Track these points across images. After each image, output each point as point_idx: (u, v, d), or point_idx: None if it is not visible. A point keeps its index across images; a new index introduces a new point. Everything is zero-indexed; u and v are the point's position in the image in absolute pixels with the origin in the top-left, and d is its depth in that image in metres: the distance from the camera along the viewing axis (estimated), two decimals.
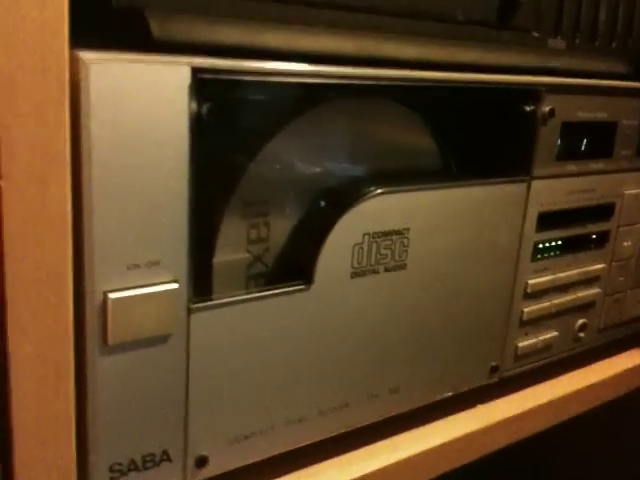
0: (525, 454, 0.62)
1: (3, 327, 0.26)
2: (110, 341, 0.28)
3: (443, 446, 0.44)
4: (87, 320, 0.28)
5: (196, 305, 0.31)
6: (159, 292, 0.29)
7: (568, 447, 0.72)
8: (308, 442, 0.38)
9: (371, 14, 0.34)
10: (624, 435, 0.67)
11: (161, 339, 0.30)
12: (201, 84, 0.28)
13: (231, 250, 0.35)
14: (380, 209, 0.37)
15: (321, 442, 0.39)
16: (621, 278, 0.55)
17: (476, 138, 0.43)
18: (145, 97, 0.27)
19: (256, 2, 0.30)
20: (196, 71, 0.28)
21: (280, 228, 0.36)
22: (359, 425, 0.40)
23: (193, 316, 0.31)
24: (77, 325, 0.28)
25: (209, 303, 0.31)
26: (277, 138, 0.34)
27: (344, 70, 0.33)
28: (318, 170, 0.37)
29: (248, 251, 0.36)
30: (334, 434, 0.39)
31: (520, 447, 0.50)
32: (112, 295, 0.28)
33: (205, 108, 0.29)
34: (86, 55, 0.25)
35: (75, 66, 0.25)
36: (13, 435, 0.26)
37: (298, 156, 0.36)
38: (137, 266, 0.28)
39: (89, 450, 0.30)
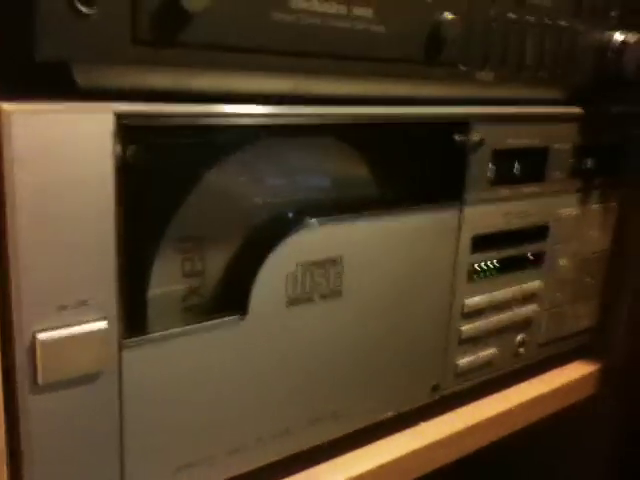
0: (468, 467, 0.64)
1: None
2: (40, 381, 0.29)
3: (387, 465, 0.45)
4: (17, 361, 0.28)
5: (127, 341, 0.32)
6: (88, 331, 0.30)
7: (515, 460, 0.74)
8: (248, 469, 0.39)
9: (303, 57, 0.35)
10: (570, 449, 0.69)
11: (92, 377, 0.31)
12: (125, 129, 0.29)
13: (166, 284, 0.35)
14: (313, 239, 0.38)
15: (262, 467, 0.40)
16: (558, 294, 0.57)
17: (410, 167, 0.44)
18: (69, 144, 0.28)
19: (186, 49, 0.30)
20: (119, 117, 0.29)
21: (215, 260, 0.37)
22: (300, 450, 0.41)
23: (124, 353, 0.32)
24: (6, 366, 0.28)
25: (140, 339, 0.32)
26: (208, 176, 0.35)
27: (274, 110, 0.34)
28: (253, 203, 0.38)
29: (183, 283, 0.36)
30: (275, 459, 0.40)
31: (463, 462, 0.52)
32: (40, 335, 0.29)
33: (130, 151, 0.29)
34: (7, 106, 0.26)
35: None
36: None
37: (231, 191, 0.37)
38: (65, 307, 0.29)
39: None
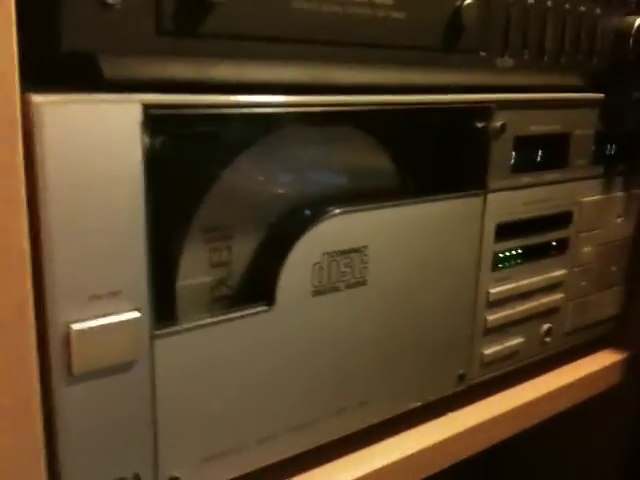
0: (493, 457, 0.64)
1: None
2: (75, 371, 0.29)
3: (415, 455, 0.45)
4: (51, 352, 0.29)
5: (159, 332, 0.32)
6: (121, 321, 0.30)
7: (538, 448, 0.73)
8: (279, 459, 0.39)
9: (323, 45, 0.35)
10: (593, 436, 0.68)
11: (125, 366, 0.31)
12: (152, 119, 0.29)
13: (194, 275, 0.36)
14: (338, 228, 0.38)
15: (293, 457, 0.40)
16: (583, 283, 0.56)
17: (432, 156, 0.44)
18: (98, 135, 0.28)
19: (208, 39, 0.31)
20: (147, 107, 0.29)
21: (242, 251, 0.37)
22: (329, 439, 0.41)
23: (156, 342, 0.32)
24: (42, 358, 0.28)
25: (171, 329, 0.32)
26: (234, 165, 0.36)
27: (295, 99, 0.35)
28: (277, 193, 0.39)
29: (211, 275, 0.37)
30: (305, 449, 0.40)
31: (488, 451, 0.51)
32: (75, 326, 0.29)
33: (158, 142, 0.30)
34: (37, 98, 0.26)
35: (27, 110, 0.26)
36: None
37: (257, 180, 0.38)
38: (98, 297, 0.29)
39: (61, 477, 0.30)
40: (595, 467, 0.68)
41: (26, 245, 0.27)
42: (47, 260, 0.28)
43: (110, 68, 0.29)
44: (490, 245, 0.47)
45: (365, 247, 0.39)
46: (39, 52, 0.27)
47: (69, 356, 0.29)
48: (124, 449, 0.32)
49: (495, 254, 0.48)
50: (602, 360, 0.61)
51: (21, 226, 0.26)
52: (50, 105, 0.26)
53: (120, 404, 0.31)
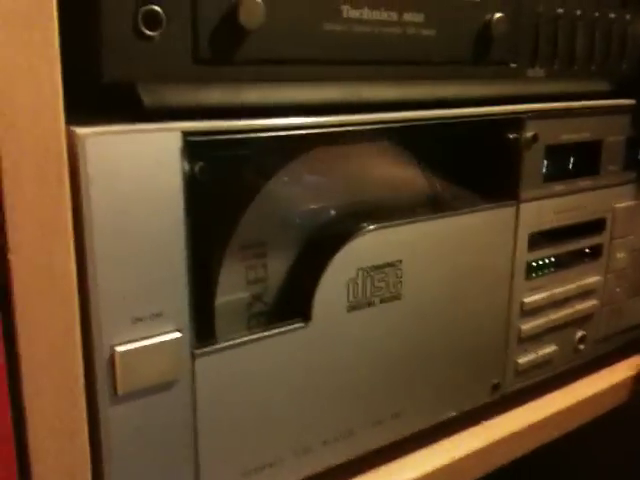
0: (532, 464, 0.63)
1: (19, 384, 0.27)
2: (119, 391, 0.30)
3: (451, 465, 0.45)
4: (97, 373, 0.30)
5: (199, 351, 0.33)
6: (163, 342, 0.31)
7: (574, 456, 0.73)
8: (314, 471, 0.39)
9: (355, 65, 0.35)
10: (629, 441, 0.68)
11: (168, 385, 0.32)
12: (192, 146, 0.30)
13: (231, 293, 0.36)
14: (372, 244, 0.38)
15: (329, 469, 0.40)
16: (618, 289, 0.56)
17: (464, 168, 0.45)
18: (139, 163, 0.29)
19: (243, 65, 0.31)
20: (186, 134, 0.30)
21: (277, 267, 0.38)
22: (364, 451, 0.42)
23: (197, 361, 0.33)
24: (87, 379, 0.29)
25: (212, 348, 0.33)
26: (270, 185, 0.36)
27: (330, 119, 0.35)
28: (312, 210, 0.39)
29: (248, 291, 0.37)
30: (339, 462, 0.41)
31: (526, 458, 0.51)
32: (119, 348, 0.30)
33: (197, 167, 0.30)
34: (81, 130, 0.27)
35: (71, 141, 0.27)
36: None
37: (291, 198, 0.38)
38: (141, 319, 0.30)
39: None
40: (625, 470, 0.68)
41: (72, 271, 0.28)
42: (92, 285, 0.29)
43: (149, 97, 0.29)
44: (523, 254, 0.47)
45: (399, 261, 0.40)
46: (80, 84, 0.28)
47: (114, 377, 0.30)
48: (166, 466, 0.33)
49: (528, 263, 0.48)
50: (635, 366, 0.60)
51: (67, 253, 0.27)
52: (93, 137, 0.27)
53: (162, 422, 0.32)
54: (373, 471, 0.43)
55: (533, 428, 0.51)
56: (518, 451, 0.51)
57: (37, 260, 0.26)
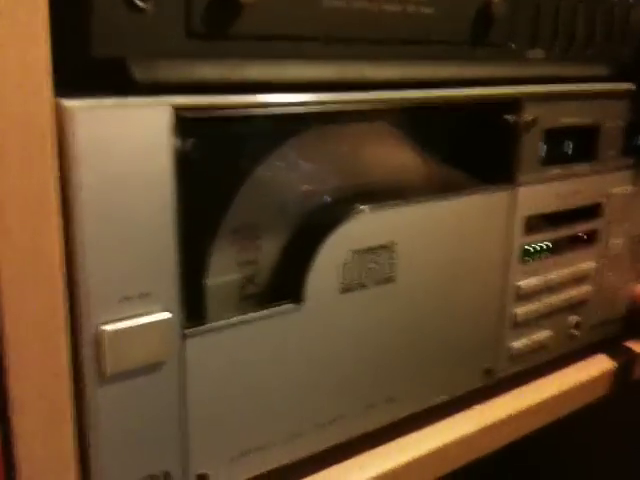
0: (524, 451, 0.64)
1: (3, 366, 0.27)
2: (107, 372, 0.30)
3: (443, 448, 0.45)
4: (83, 353, 0.29)
5: (189, 331, 0.32)
6: (152, 322, 0.30)
7: (568, 441, 0.73)
8: (306, 454, 0.39)
9: (354, 42, 0.35)
10: (623, 427, 0.68)
11: (157, 366, 0.31)
12: (183, 122, 0.29)
13: (223, 273, 0.36)
14: (366, 226, 0.38)
15: (320, 452, 0.40)
16: (612, 274, 0.56)
17: (461, 150, 0.44)
18: (129, 139, 0.28)
19: (238, 40, 0.30)
20: (177, 110, 0.29)
21: (270, 249, 0.37)
22: (356, 435, 0.41)
23: (187, 342, 0.32)
24: (74, 359, 0.29)
25: (201, 328, 0.33)
26: (262, 165, 0.35)
27: (326, 97, 0.34)
28: (305, 191, 0.38)
29: (240, 273, 0.37)
30: (332, 445, 0.40)
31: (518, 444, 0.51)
32: (106, 327, 0.29)
33: (189, 144, 0.30)
34: (70, 103, 0.26)
35: (59, 114, 0.26)
36: (19, 470, 0.28)
37: (285, 179, 0.37)
38: (129, 298, 0.30)
39: (92, 476, 0.31)
40: (620, 457, 0.68)
41: (58, 248, 0.27)
42: (79, 263, 0.28)
43: (141, 71, 0.29)
44: (519, 238, 0.47)
45: (394, 243, 0.39)
46: (70, 57, 0.27)
47: (101, 357, 0.29)
48: (154, 447, 0.33)
49: (524, 247, 0.47)
50: (628, 352, 0.60)
51: (53, 229, 0.27)
52: (82, 110, 0.26)
53: (151, 403, 0.32)
54: (364, 454, 0.43)
55: (525, 413, 0.51)
56: (510, 436, 0.50)
57: (22, 239, 0.26)
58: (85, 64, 0.28)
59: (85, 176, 0.27)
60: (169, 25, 0.28)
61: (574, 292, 0.53)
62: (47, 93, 0.25)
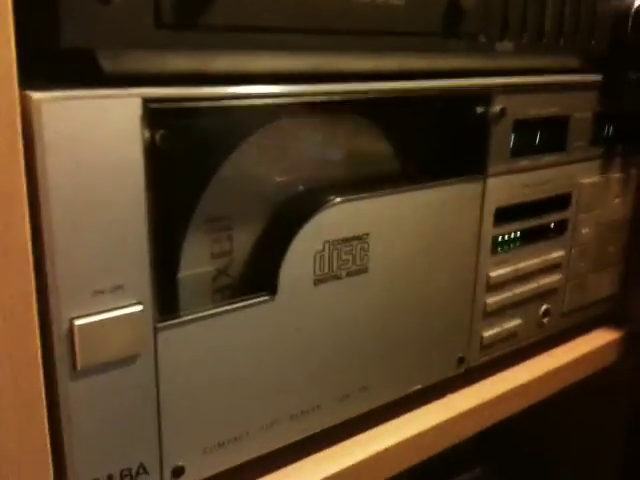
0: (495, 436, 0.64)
1: None
2: (79, 366, 0.29)
3: (417, 437, 0.46)
4: (55, 347, 0.29)
5: (162, 324, 0.32)
6: (124, 315, 0.30)
7: (536, 428, 0.74)
8: (281, 445, 0.39)
9: (324, 34, 0.35)
10: (592, 414, 0.69)
11: (130, 359, 0.31)
12: (153, 113, 0.29)
13: (196, 266, 0.36)
14: (339, 217, 0.38)
15: (296, 442, 0.40)
16: (582, 264, 0.57)
17: (432, 141, 0.44)
18: (98, 131, 0.28)
19: (208, 31, 0.30)
20: (147, 101, 0.29)
21: (243, 241, 0.37)
22: (331, 424, 0.42)
23: (160, 335, 0.32)
24: (46, 353, 0.29)
25: (174, 321, 0.33)
26: (234, 155, 0.35)
27: (295, 88, 0.34)
28: (277, 182, 0.38)
29: (213, 265, 0.37)
30: (306, 435, 0.41)
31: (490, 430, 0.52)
32: (78, 322, 0.29)
33: (158, 136, 0.29)
34: (36, 95, 0.26)
35: (26, 106, 0.26)
36: None
37: (256, 170, 0.37)
38: (101, 292, 0.29)
39: (67, 469, 0.31)
40: (594, 445, 0.69)
41: (28, 241, 0.27)
42: (49, 256, 0.28)
43: (109, 63, 0.28)
44: (490, 229, 0.47)
45: (366, 234, 0.39)
46: (38, 49, 0.27)
47: (73, 351, 0.29)
48: (129, 440, 0.32)
49: (495, 238, 0.48)
50: (599, 339, 0.61)
51: (23, 222, 0.26)
52: (49, 102, 0.26)
53: (125, 396, 0.32)
54: (340, 445, 0.43)
55: (497, 401, 0.51)
56: (482, 424, 0.51)
57: None
58: (54, 56, 0.27)
59: (54, 169, 0.27)
60: (138, 16, 0.28)
61: (544, 281, 0.53)
62: (13, 84, 0.25)
